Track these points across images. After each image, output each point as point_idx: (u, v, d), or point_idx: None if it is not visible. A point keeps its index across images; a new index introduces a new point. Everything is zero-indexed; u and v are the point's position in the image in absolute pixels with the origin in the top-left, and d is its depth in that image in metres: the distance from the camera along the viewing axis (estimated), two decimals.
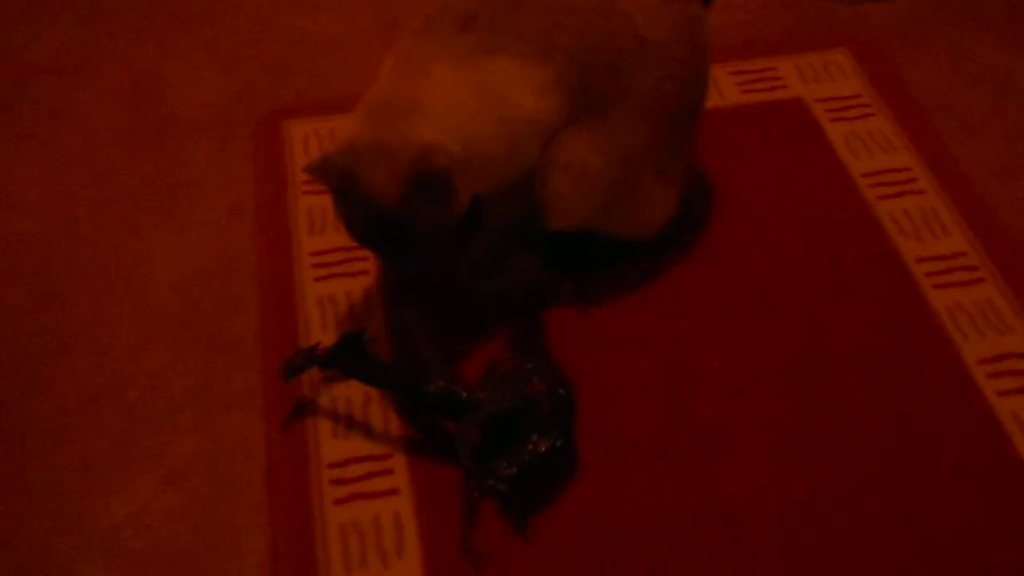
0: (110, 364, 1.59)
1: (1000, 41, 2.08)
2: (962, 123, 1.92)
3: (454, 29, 1.44)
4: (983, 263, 1.67)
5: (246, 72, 2.09)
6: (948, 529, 1.36)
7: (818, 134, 1.88)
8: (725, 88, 1.97)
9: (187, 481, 1.46)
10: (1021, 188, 1.80)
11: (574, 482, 1.42)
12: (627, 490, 1.41)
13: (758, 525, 1.37)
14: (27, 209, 1.83)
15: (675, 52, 1.50)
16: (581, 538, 1.37)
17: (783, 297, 1.63)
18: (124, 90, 2.05)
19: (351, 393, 1.53)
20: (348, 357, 1.49)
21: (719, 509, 1.39)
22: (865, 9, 2.16)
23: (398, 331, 1.60)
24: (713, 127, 1.87)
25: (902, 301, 1.62)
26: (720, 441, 1.46)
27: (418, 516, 1.40)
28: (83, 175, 1.89)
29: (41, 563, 1.37)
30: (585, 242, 1.63)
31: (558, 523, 1.38)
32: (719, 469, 1.43)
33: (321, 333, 1.61)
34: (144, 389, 1.56)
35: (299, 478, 1.44)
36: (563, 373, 1.47)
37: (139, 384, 1.57)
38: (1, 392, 1.56)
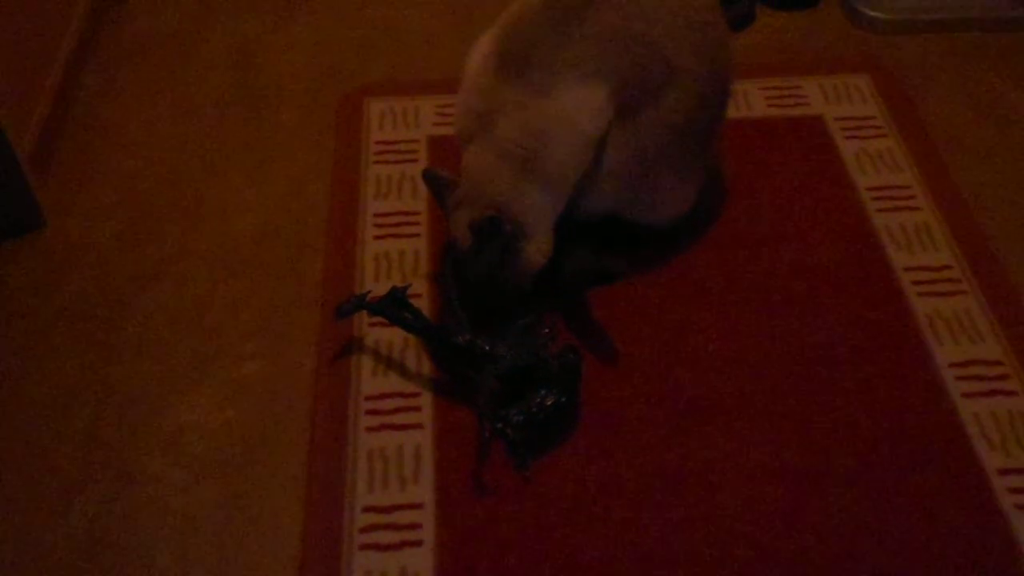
0: (191, 293, 1.64)
1: (1011, 78, 2.01)
2: (967, 149, 1.87)
3: (518, 67, 1.45)
4: (965, 277, 1.63)
5: (336, 51, 2.11)
6: (902, 514, 1.34)
7: (832, 149, 1.85)
8: (754, 101, 1.94)
9: (244, 399, 1.49)
10: (1013, 213, 1.75)
11: (573, 437, 1.43)
12: (618, 449, 1.41)
13: (729, 490, 1.37)
14: (137, 151, 1.88)
15: (697, 74, 1.48)
16: (573, 486, 1.38)
17: (778, 290, 1.61)
18: (230, 58, 2.09)
19: (392, 338, 1.56)
20: (393, 307, 1.51)
21: (696, 472, 1.39)
22: (891, 40, 2.10)
23: (442, 290, 1.62)
24: (738, 135, 1.85)
25: (887, 304, 1.59)
26: (704, 413, 1.45)
27: (435, 449, 1.42)
28: (187, 128, 1.93)
29: (117, 453, 1.43)
30: (610, 227, 1.63)
31: (554, 470, 1.40)
32: (700, 438, 1.43)
33: (374, 284, 1.64)
34: (218, 317, 1.60)
35: (339, 406, 1.47)
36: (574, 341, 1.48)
37: (214, 313, 1.61)
38: (96, 309, 1.61)
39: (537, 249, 1.48)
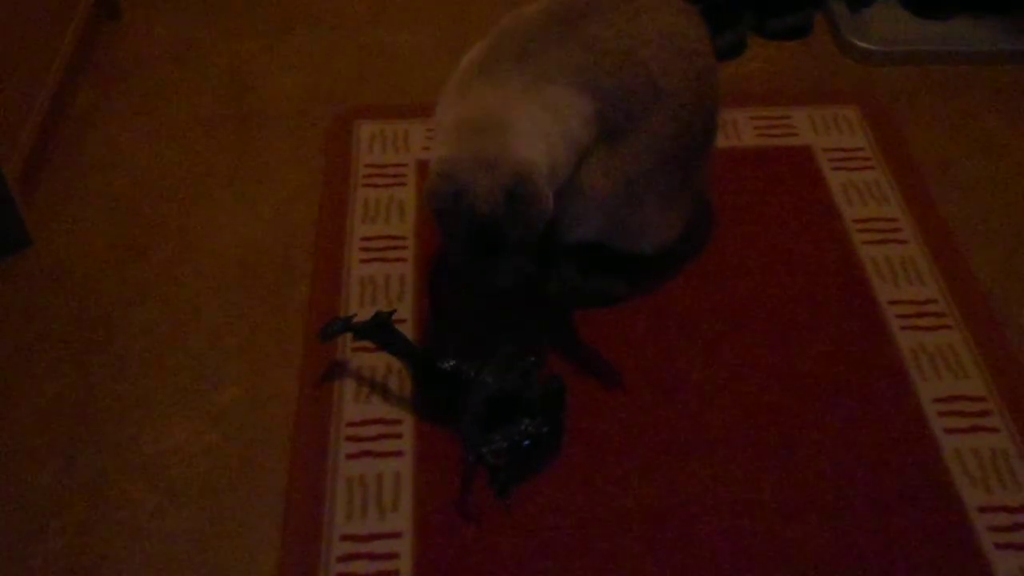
0: (176, 315, 1.63)
1: (1000, 112, 2.01)
2: (955, 183, 1.86)
3: (512, 62, 1.43)
4: (950, 312, 1.62)
5: (329, 73, 2.11)
6: (882, 551, 1.33)
7: (820, 180, 1.84)
8: (743, 130, 1.94)
9: (226, 423, 1.48)
10: (997, 246, 1.74)
11: (554, 467, 1.42)
12: (599, 480, 1.40)
13: (709, 523, 1.36)
14: (127, 171, 1.88)
15: (683, 100, 1.48)
16: (553, 517, 1.37)
17: (764, 321, 1.61)
18: (223, 79, 2.09)
19: (376, 363, 1.55)
20: (378, 331, 1.50)
21: (676, 506, 1.38)
22: (881, 72, 2.10)
23: (431, 310, 1.61)
24: (728, 164, 1.85)
25: (871, 338, 1.58)
26: (686, 445, 1.44)
27: (415, 478, 1.41)
28: (177, 148, 1.93)
29: (94, 478, 1.41)
30: (596, 252, 1.62)
31: (535, 500, 1.38)
32: (681, 470, 1.42)
33: (359, 307, 1.63)
34: (201, 341, 1.59)
35: (320, 432, 1.46)
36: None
37: (197, 336, 1.60)
38: (79, 330, 1.60)
39: (549, 197, 1.39)
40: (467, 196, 1.34)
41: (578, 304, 1.62)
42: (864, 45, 2.12)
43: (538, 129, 1.39)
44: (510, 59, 1.43)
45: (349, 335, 1.54)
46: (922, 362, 1.55)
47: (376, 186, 1.84)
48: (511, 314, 1.62)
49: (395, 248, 1.73)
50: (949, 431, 1.46)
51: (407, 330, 1.59)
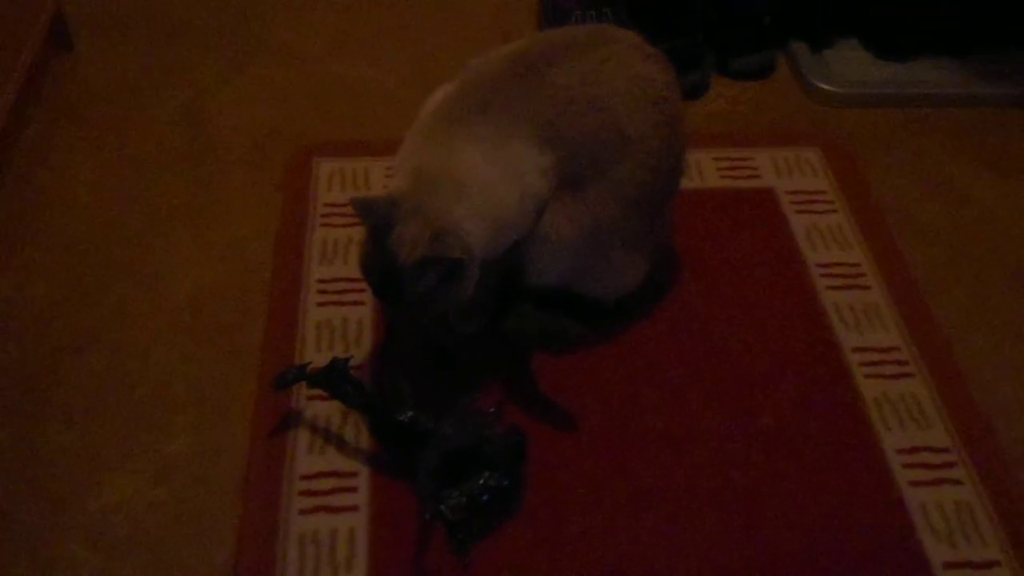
0: (124, 363, 1.57)
1: (962, 155, 2.01)
2: (916, 227, 1.86)
3: (475, 112, 1.41)
4: (913, 359, 1.61)
5: (287, 108, 2.06)
6: None
7: (783, 223, 1.83)
8: (706, 172, 1.92)
9: (174, 477, 1.43)
10: (960, 293, 1.74)
11: (514, 522, 1.38)
12: (560, 538, 1.36)
13: None
14: (77, 209, 1.82)
15: (651, 147, 1.46)
16: (512, 575, 1.32)
17: (727, 369, 1.58)
18: (177, 113, 2.04)
19: (331, 412, 1.50)
20: (334, 379, 1.46)
21: (638, 565, 1.34)
22: (843, 113, 2.10)
23: (390, 365, 1.57)
24: (690, 206, 1.82)
25: (835, 387, 1.56)
26: (650, 498, 1.41)
27: (371, 534, 1.36)
28: (130, 185, 1.87)
29: (33, 536, 1.35)
30: (560, 297, 1.59)
31: (494, 559, 1.34)
32: (645, 525, 1.38)
33: (316, 353, 1.58)
34: (150, 389, 1.53)
35: (273, 486, 1.41)
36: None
37: (147, 384, 1.54)
38: (21, 377, 1.54)
39: (471, 279, 1.40)
40: (392, 231, 1.34)
41: (536, 344, 1.59)
42: (825, 87, 2.12)
43: (490, 193, 1.38)
44: (474, 110, 1.41)
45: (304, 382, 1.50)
46: (885, 411, 1.54)
47: (335, 226, 1.80)
48: (470, 361, 1.59)
49: (352, 291, 1.68)
50: (914, 483, 1.44)
51: (364, 376, 1.54)
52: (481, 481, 1.36)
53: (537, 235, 1.46)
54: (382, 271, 1.38)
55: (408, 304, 1.39)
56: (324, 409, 1.50)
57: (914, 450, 1.49)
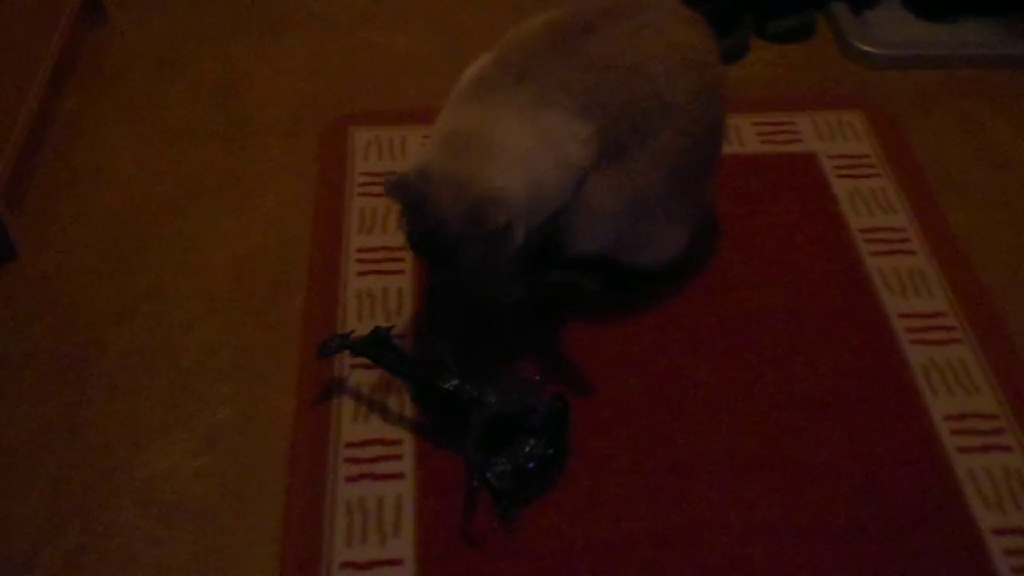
0: (167, 333, 1.57)
1: (1006, 117, 1.98)
2: (960, 190, 1.83)
3: (512, 81, 1.40)
4: (960, 324, 1.59)
5: (322, 78, 2.05)
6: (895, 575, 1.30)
7: (825, 188, 1.80)
8: (746, 137, 1.90)
9: (219, 445, 1.44)
10: (1007, 256, 1.71)
11: (558, 489, 1.38)
12: (604, 504, 1.36)
13: (717, 548, 1.32)
14: (116, 181, 1.82)
15: (692, 113, 1.44)
16: (558, 541, 1.32)
17: (771, 337, 1.57)
18: (213, 84, 2.03)
19: (374, 380, 1.50)
20: (376, 348, 1.46)
21: (684, 530, 1.34)
22: (885, 76, 2.06)
23: (431, 330, 1.57)
24: (731, 173, 1.80)
25: (881, 353, 1.55)
26: (692, 466, 1.40)
27: (417, 501, 1.37)
28: (167, 157, 1.87)
29: (81, 503, 1.37)
30: (602, 266, 1.58)
31: (540, 524, 1.34)
32: (688, 492, 1.38)
33: (357, 323, 1.58)
34: (194, 358, 1.54)
35: (318, 454, 1.42)
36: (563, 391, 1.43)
37: (190, 353, 1.55)
38: (68, 347, 1.55)
39: (516, 239, 1.38)
40: (427, 204, 1.33)
41: (554, 293, 1.59)
42: (867, 48, 2.08)
43: (525, 159, 1.37)
44: (511, 79, 1.40)
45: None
46: (933, 378, 1.52)
47: (373, 195, 1.79)
48: (512, 330, 1.58)
49: (393, 260, 1.68)
50: (962, 450, 1.43)
51: (406, 345, 1.54)
52: (527, 449, 1.37)
53: (579, 206, 1.45)
54: (429, 244, 1.38)
55: (461, 273, 1.38)
56: (368, 377, 1.51)
57: (962, 416, 1.47)
